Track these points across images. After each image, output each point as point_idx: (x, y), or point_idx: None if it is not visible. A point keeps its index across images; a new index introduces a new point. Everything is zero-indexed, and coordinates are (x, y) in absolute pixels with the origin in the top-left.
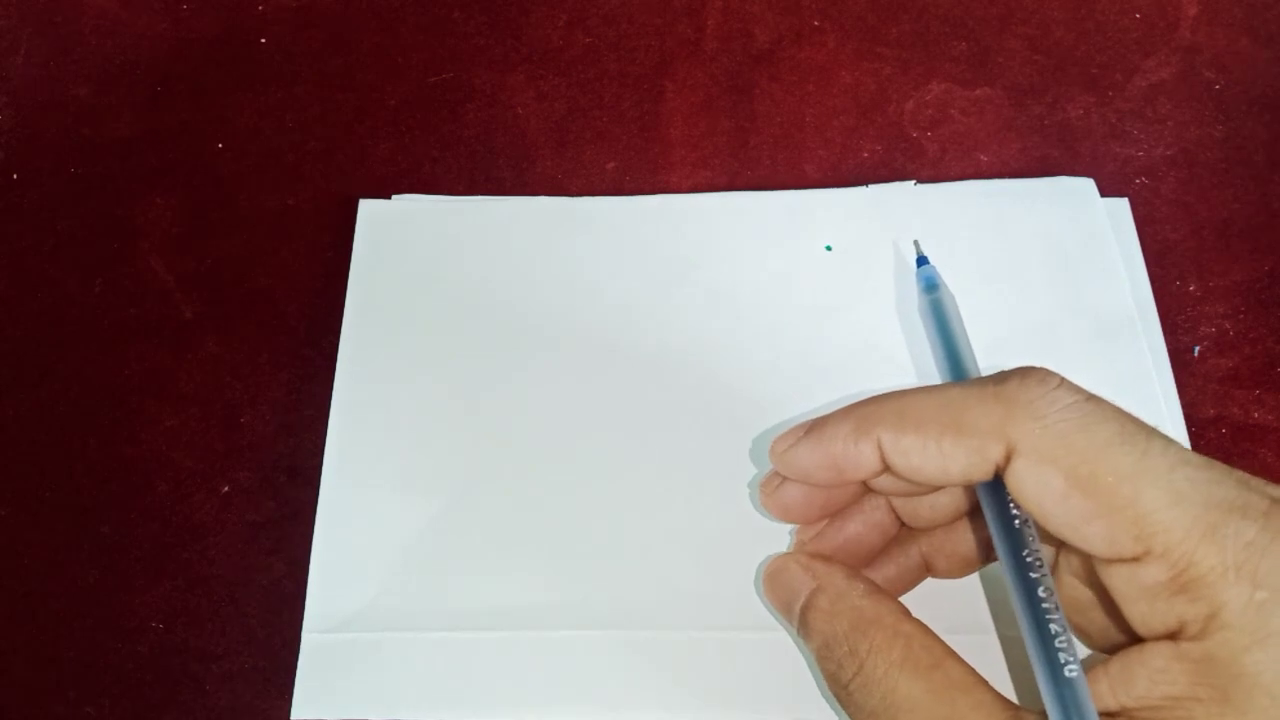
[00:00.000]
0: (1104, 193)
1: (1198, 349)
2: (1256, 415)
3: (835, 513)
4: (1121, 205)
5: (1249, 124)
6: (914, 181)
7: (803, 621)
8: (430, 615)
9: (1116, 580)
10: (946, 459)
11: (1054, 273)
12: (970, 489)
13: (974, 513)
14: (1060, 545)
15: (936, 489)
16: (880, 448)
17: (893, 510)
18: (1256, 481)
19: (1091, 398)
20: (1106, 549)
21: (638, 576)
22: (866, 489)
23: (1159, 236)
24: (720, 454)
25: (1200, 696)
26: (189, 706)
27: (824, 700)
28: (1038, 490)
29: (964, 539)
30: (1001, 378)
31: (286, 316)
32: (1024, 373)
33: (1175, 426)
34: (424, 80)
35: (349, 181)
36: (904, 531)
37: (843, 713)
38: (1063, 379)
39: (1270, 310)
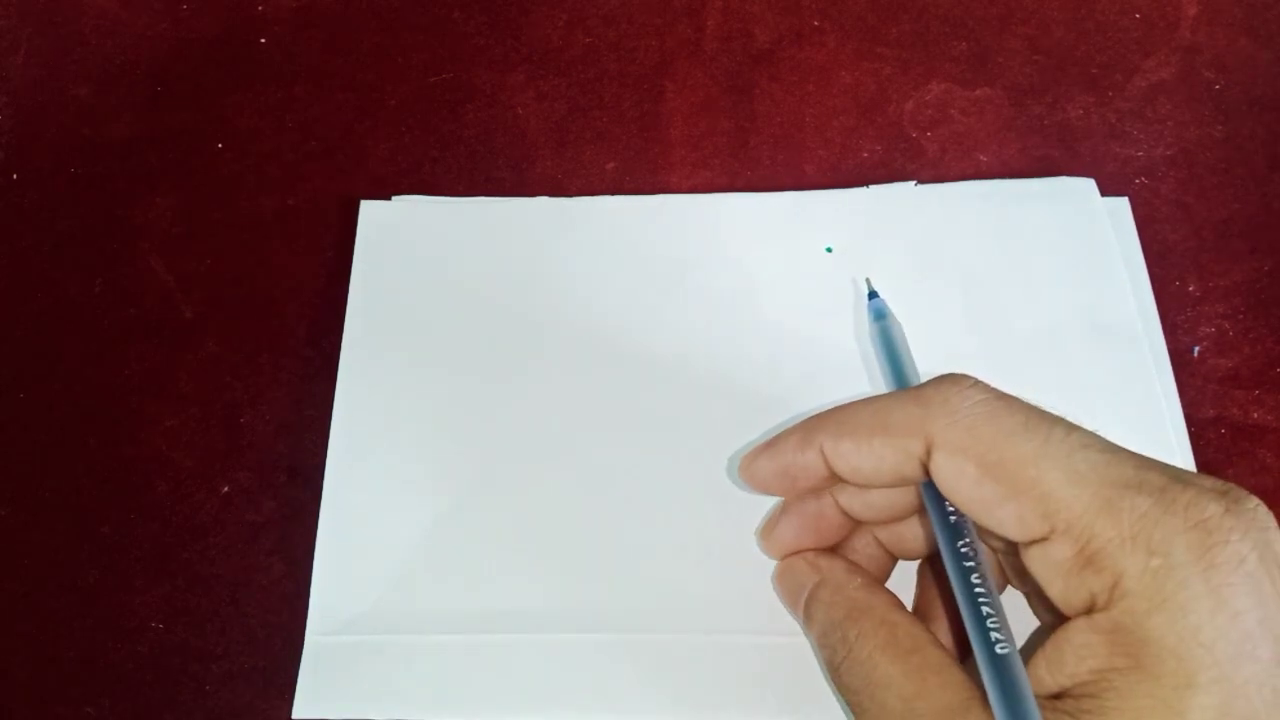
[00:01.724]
0: (1104, 193)
1: (1198, 349)
2: (1256, 415)
3: (826, 547)
4: (1122, 205)
5: (1249, 124)
6: (914, 182)
7: (806, 611)
8: (432, 618)
9: (1035, 563)
10: (878, 458)
11: (1054, 273)
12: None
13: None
14: (989, 535)
15: (906, 509)
16: (823, 453)
17: (883, 547)
18: (1155, 462)
19: (1001, 395)
20: (1019, 530)
21: (639, 580)
22: (852, 522)
23: (1159, 236)
24: (722, 456)
25: (1118, 666)
26: (189, 706)
27: (824, 703)
28: (955, 479)
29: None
30: (924, 384)
31: (286, 316)
32: (940, 378)
33: (1175, 426)
34: (424, 80)
35: (349, 181)
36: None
37: (842, 709)
38: (976, 380)
39: (1270, 310)
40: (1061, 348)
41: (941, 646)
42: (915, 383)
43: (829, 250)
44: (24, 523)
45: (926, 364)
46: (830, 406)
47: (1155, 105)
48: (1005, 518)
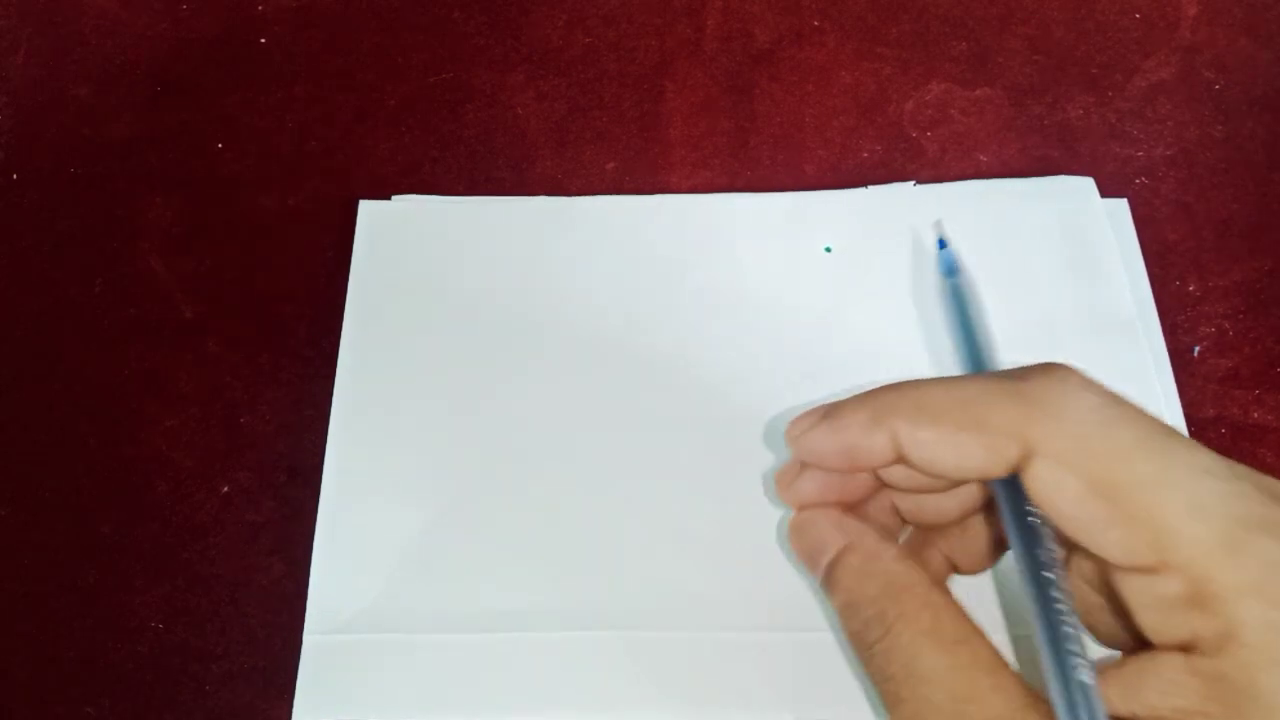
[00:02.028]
0: (1104, 193)
1: (1198, 349)
2: (1256, 415)
3: (847, 507)
4: (1121, 206)
5: (1249, 124)
6: (914, 182)
7: (829, 576)
8: (431, 617)
9: (1130, 588)
10: (962, 455)
11: (1054, 273)
12: (984, 486)
13: (987, 509)
14: (1073, 548)
15: (951, 486)
16: (896, 438)
17: (898, 511)
18: (1276, 492)
19: (1115, 399)
20: (1123, 557)
21: (637, 578)
22: (879, 485)
23: (1159, 236)
24: (720, 456)
25: (1210, 712)
26: (189, 706)
27: (824, 699)
28: (1055, 493)
29: (977, 536)
30: (1023, 374)
31: (286, 316)
32: (1046, 370)
33: (1175, 426)
34: (424, 80)
35: (349, 181)
36: (919, 531)
37: (841, 708)
38: (1085, 378)
39: (1270, 310)
40: (1061, 347)
41: (987, 639)
42: (992, 359)
43: (828, 250)
44: (24, 523)
45: (926, 364)
46: (889, 380)
47: (1155, 105)
48: (1108, 542)
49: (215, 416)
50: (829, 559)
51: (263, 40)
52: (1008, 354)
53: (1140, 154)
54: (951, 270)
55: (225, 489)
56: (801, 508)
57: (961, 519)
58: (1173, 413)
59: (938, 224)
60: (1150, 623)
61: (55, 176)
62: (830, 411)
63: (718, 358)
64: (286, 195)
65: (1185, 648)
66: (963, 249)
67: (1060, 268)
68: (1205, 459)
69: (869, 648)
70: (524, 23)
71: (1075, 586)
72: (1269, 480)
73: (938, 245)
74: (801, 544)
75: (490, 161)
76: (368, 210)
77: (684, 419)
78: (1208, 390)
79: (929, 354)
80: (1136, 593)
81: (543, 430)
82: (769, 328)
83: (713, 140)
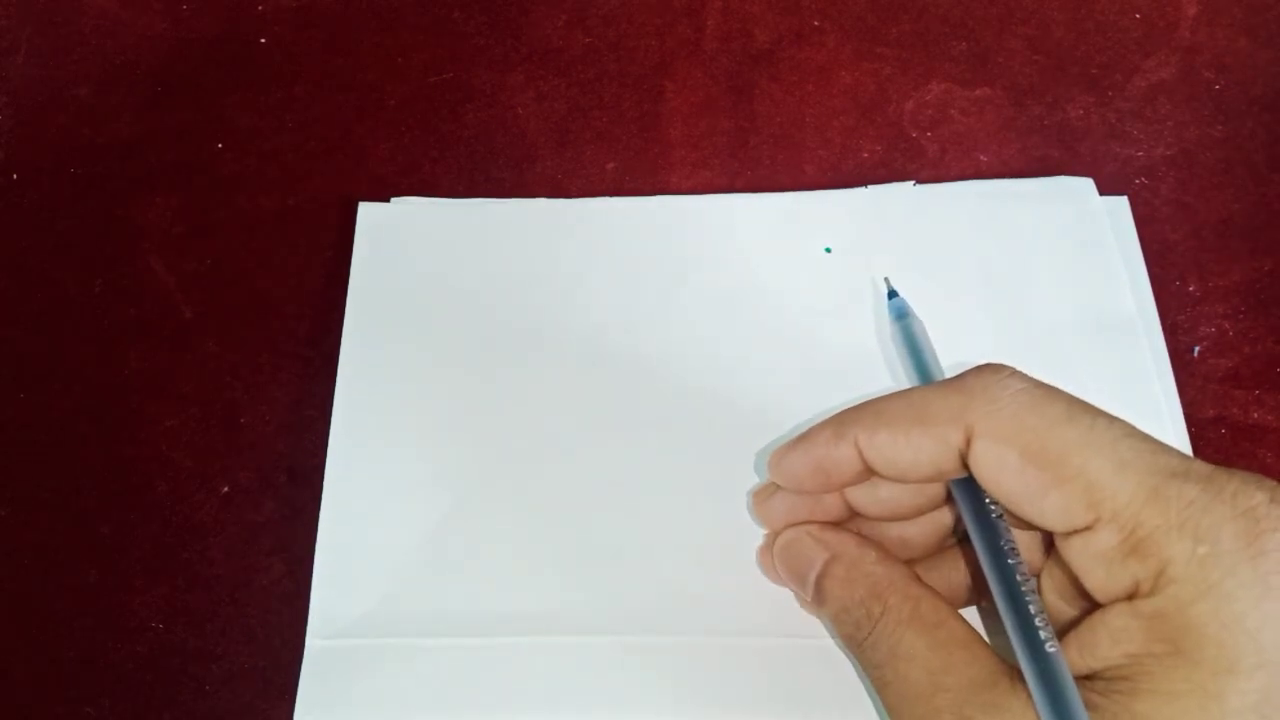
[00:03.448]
0: (1104, 193)
1: (1198, 349)
2: (1256, 415)
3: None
4: (1121, 204)
5: (1249, 124)
6: (913, 182)
7: (819, 589)
8: (434, 620)
9: (1075, 553)
10: (916, 450)
11: (1054, 273)
12: (950, 508)
13: (963, 542)
14: (1026, 528)
15: (918, 511)
16: (857, 447)
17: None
18: (1198, 460)
19: (1041, 384)
20: (1062, 520)
21: (641, 582)
22: (849, 511)
23: (1159, 236)
24: (722, 457)
25: (1156, 651)
26: (189, 706)
27: (826, 703)
28: (996, 468)
29: (950, 575)
30: (961, 375)
31: (286, 316)
32: (979, 368)
33: (1175, 426)
34: (424, 80)
35: (349, 182)
36: None
37: (845, 714)
38: (1014, 370)
39: (1270, 310)
40: (1061, 347)
41: (964, 620)
42: (941, 379)
43: (828, 250)
44: (24, 523)
45: (939, 358)
46: (836, 410)
47: (1155, 105)
48: (1048, 507)
49: (215, 416)
50: (816, 573)
51: (263, 40)
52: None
53: (1140, 154)
54: (902, 315)
55: (225, 489)
56: (780, 528)
57: (933, 550)
58: (1173, 413)
59: (886, 279)
60: (1096, 582)
61: (55, 176)
62: (802, 436)
63: (718, 358)
64: (286, 195)
65: (1129, 596)
66: (963, 253)
67: (1060, 268)
68: (1125, 426)
69: (859, 644)
70: (524, 23)
71: (1051, 604)
72: (1184, 452)
73: (888, 295)
74: (788, 565)
75: (490, 162)
76: (366, 212)
77: (685, 420)
78: (1208, 390)
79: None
80: (1079, 554)
81: (543, 431)
82: (769, 328)
83: (713, 140)
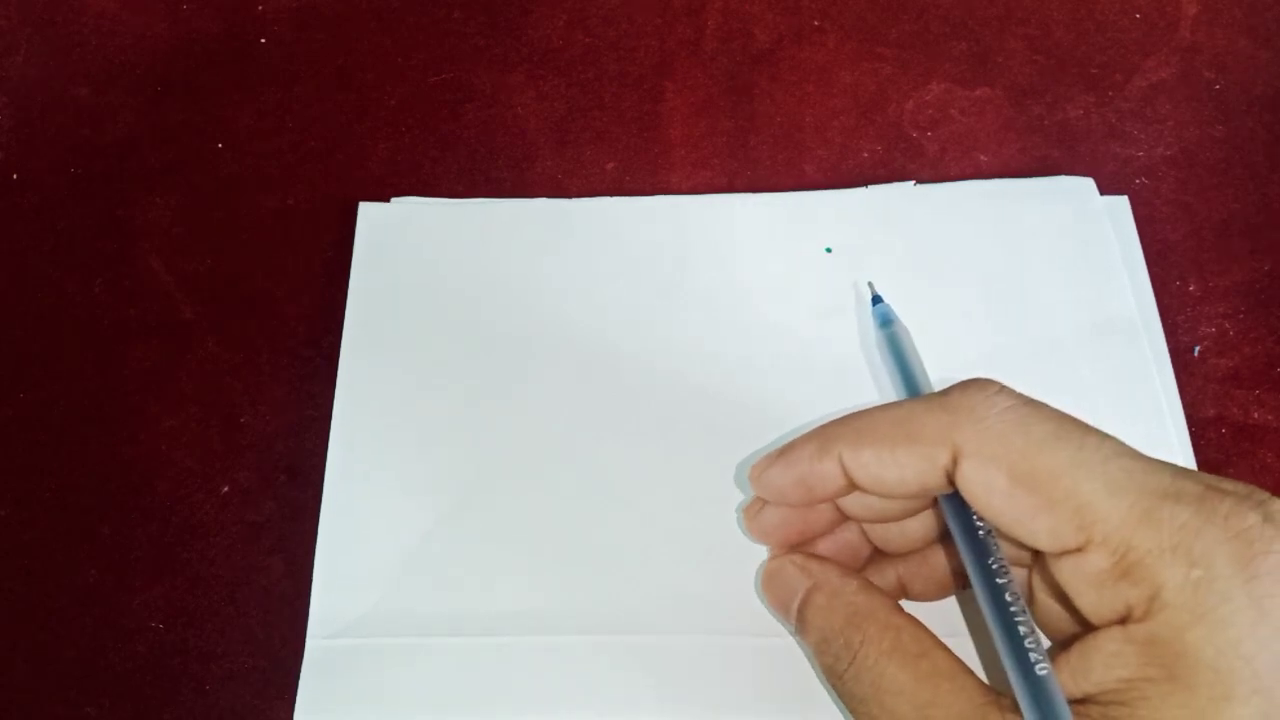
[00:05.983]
0: (1104, 192)
1: (1198, 349)
2: (1256, 415)
3: (812, 537)
4: (1121, 203)
5: (1249, 124)
6: (913, 182)
7: (800, 618)
8: (433, 620)
9: (1066, 574)
10: (901, 467)
11: (1054, 273)
12: (938, 511)
13: (946, 538)
14: (1017, 547)
15: (904, 513)
16: (841, 463)
17: (865, 535)
18: (1190, 471)
19: (1029, 401)
20: (1052, 542)
21: (641, 581)
22: (841, 515)
23: (1159, 236)
24: (721, 457)
25: (1151, 676)
26: (189, 706)
27: (823, 705)
28: (984, 489)
29: (939, 564)
30: (946, 390)
31: (286, 316)
32: (965, 383)
33: (1176, 426)
34: (424, 80)
35: (349, 181)
36: (880, 556)
37: (842, 710)
38: (1002, 386)
39: (1270, 310)
40: (1062, 347)
41: (947, 650)
42: (928, 389)
43: (828, 250)
44: (24, 523)
45: (924, 365)
46: (836, 410)
47: (1155, 105)
48: (1038, 529)
49: (215, 416)
50: (798, 602)
51: (263, 40)
52: (1009, 355)
53: (1140, 154)
54: (887, 321)
55: (225, 489)
56: (764, 538)
57: (925, 545)
58: (1173, 413)
59: (870, 284)
60: (1088, 604)
61: (55, 176)
62: (784, 449)
63: (718, 358)
64: (286, 195)
65: (1122, 620)
66: (963, 253)
67: (1060, 268)
68: (1116, 444)
69: (839, 676)
70: (524, 23)
71: (1041, 609)
72: (1176, 465)
73: (872, 301)
74: (773, 593)
75: (490, 162)
76: (366, 212)
77: (684, 421)
78: (1208, 390)
79: (927, 355)
80: (1071, 576)
81: (543, 432)
82: (769, 328)
83: (713, 140)
